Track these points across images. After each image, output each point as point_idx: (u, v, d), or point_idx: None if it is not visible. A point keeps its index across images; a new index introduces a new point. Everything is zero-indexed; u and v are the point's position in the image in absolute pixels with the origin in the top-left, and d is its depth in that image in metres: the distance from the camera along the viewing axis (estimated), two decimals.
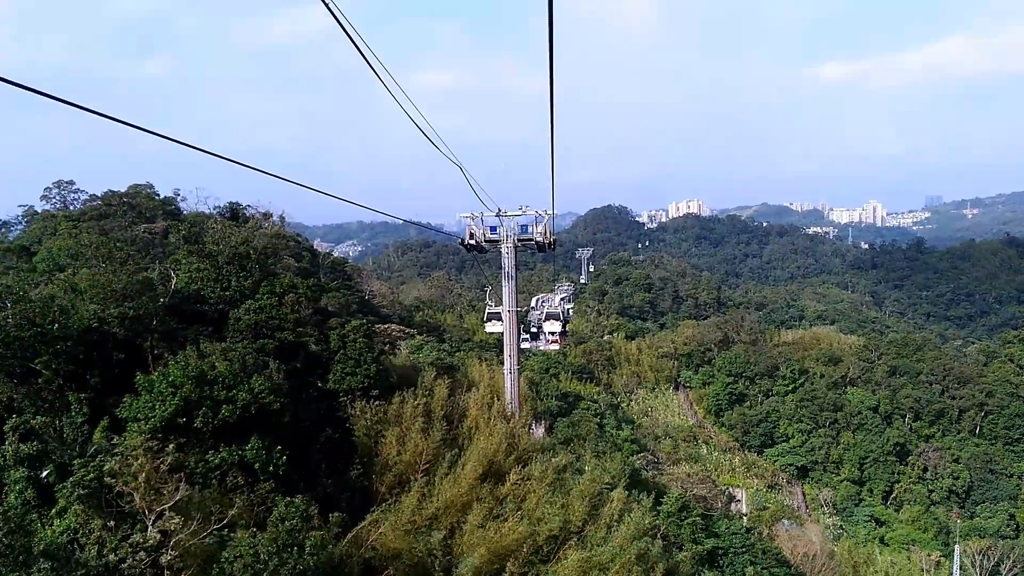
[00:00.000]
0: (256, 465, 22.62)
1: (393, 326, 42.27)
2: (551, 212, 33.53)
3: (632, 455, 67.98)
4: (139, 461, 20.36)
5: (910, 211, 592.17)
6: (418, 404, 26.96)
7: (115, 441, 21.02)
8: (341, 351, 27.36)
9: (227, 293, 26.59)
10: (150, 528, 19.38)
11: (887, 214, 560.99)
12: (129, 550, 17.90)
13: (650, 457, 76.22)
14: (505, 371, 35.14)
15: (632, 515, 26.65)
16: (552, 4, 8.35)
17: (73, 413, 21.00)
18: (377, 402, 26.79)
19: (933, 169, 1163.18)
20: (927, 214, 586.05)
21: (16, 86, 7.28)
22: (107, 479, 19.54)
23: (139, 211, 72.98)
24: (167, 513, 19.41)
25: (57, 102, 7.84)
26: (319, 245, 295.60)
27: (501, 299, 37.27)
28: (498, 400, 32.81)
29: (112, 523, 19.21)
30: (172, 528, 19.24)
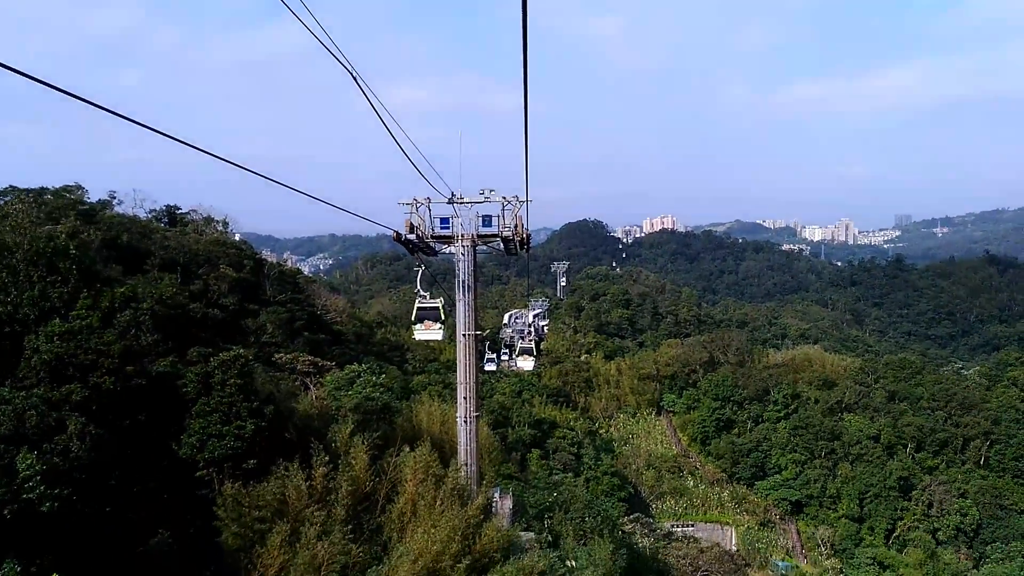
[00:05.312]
0: None
1: (303, 356, 32.41)
2: (525, 199, 23.79)
3: (621, 512, 58.46)
4: None
5: (881, 229, 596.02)
6: (317, 481, 17.34)
7: None
8: (203, 399, 17.70)
9: (22, 311, 16.90)
10: None
11: (859, 232, 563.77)
12: None
13: (644, 519, 66.88)
14: (459, 419, 25.28)
15: None
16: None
17: None
18: (254, 480, 17.21)
19: (902, 188, 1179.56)
20: (897, 232, 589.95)
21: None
22: None
23: (48, 211, 63.51)
24: None
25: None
26: (289, 258, 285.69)
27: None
28: (452, 462, 23.35)
29: None
30: None
